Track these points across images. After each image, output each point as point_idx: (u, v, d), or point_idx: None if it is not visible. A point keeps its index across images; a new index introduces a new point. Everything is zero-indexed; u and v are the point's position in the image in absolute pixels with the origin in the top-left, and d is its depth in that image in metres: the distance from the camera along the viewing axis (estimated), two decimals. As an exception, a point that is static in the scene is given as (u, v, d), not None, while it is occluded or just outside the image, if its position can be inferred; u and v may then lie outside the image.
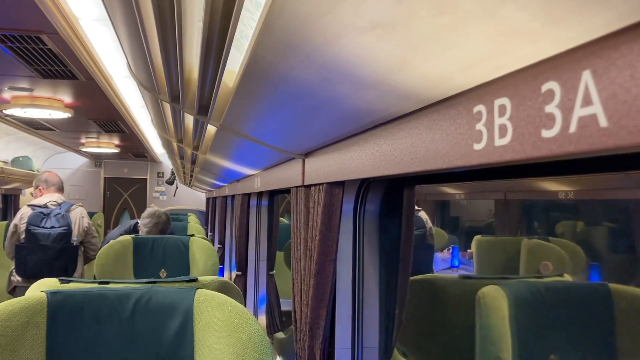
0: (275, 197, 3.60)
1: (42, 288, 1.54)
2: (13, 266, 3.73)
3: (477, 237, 3.95)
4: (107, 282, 1.64)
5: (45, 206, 3.72)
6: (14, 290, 3.69)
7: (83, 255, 3.92)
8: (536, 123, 0.58)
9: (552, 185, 3.95)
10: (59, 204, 3.79)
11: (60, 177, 4.08)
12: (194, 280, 1.76)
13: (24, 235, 3.61)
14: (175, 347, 1.43)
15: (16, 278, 3.69)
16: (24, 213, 3.69)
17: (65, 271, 3.62)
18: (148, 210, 3.61)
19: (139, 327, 1.45)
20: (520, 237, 4.03)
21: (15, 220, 3.71)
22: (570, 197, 3.90)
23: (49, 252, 3.60)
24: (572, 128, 0.53)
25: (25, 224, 3.62)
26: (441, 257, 5.70)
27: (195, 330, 1.43)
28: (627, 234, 4.62)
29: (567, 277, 1.96)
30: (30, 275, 3.57)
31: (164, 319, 1.45)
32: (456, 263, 5.65)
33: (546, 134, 0.57)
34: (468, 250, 4.35)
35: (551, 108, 0.56)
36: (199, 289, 1.49)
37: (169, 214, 3.63)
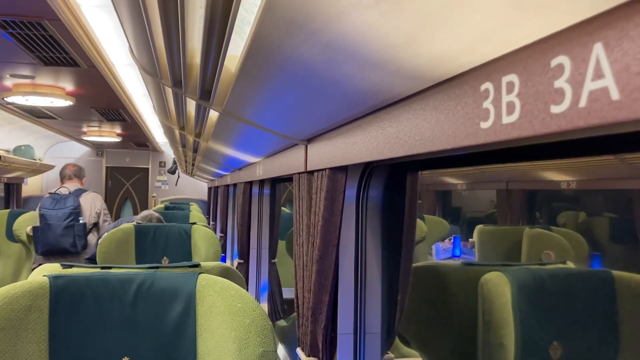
0: (277, 185, 3.60)
1: (44, 273, 1.54)
2: None
3: (479, 227, 3.95)
4: (110, 267, 1.64)
5: (57, 193, 4.37)
6: None
7: (96, 238, 4.22)
8: (545, 99, 0.58)
9: (554, 175, 3.94)
10: (70, 191, 4.37)
11: (73, 168, 4.70)
12: (197, 265, 1.75)
13: (38, 218, 4.21)
14: (178, 332, 1.43)
15: (38, 257, 4.21)
16: (41, 200, 4.35)
17: (74, 246, 4.08)
18: (142, 213, 3.82)
19: (141, 311, 1.45)
20: (522, 226, 4.03)
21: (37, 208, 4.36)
22: (572, 187, 3.89)
23: (57, 229, 4.10)
24: (582, 102, 0.52)
25: (38, 214, 4.24)
26: (442, 246, 5.71)
27: (197, 315, 1.43)
28: (629, 224, 4.61)
29: (570, 265, 1.96)
30: (44, 252, 4.11)
31: (167, 304, 1.45)
32: (457, 253, 5.66)
33: (555, 109, 0.56)
34: (470, 240, 4.34)
35: (561, 83, 0.55)
36: (202, 274, 1.49)
37: (160, 216, 3.69)
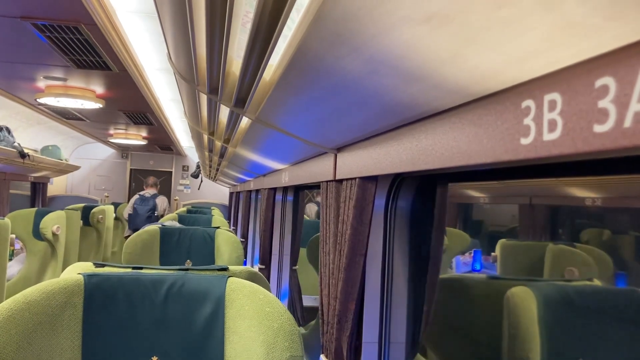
0: (300, 193, 3.63)
1: (77, 270, 1.58)
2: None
3: (501, 241, 3.92)
4: (141, 268, 1.68)
5: (143, 195, 7.52)
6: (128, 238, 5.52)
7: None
8: (588, 118, 0.59)
9: (579, 192, 3.91)
10: (151, 195, 7.53)
11: (153, 180, 7.80)
12: (225, 269, 1.78)
13: (132, 209, 7.30)
14: (206, 334, 1.46)
15: (129, 232, 7.06)
16: (133, 198, 7.56)
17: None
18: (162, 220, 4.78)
19: (171, 312, 1.48)
20: (545, 242, 4.00)
21: (131, 201, 7.52)
22: (597, 204, 3.85)
23: (142, 217, 7.14)
24: (627, 123, 0.54)
25: (132, 205, 7.39)
26: (463, 260, 5.67)
27: (226, 318, 1.45)
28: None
29: (597, 282, 1.95)
30: (133, 229, 6.69)
31: (196, 306, 1.48)
32: (478, 267, 5.62)
33: (598, 128, 0.58)
34: (492, 254, 4.31)
35: (605, 103, 0.57)
36: (231, 277, 1.52)
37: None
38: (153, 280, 1.51)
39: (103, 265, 1.69)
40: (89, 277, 1.46)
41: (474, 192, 5.59)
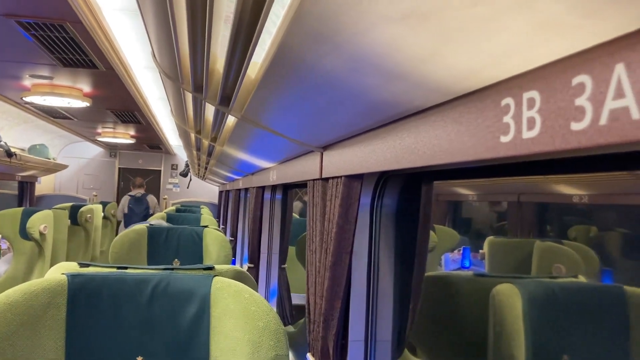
0: (289, 191, 3.62)
1: (62, 271, 1.56)
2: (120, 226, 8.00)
3: (489, 238, 3.94)
4: (126, 267, 1.67)
5: (134, 195, 8.16)
6: None
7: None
8: (566, 115, 0.59)
9: (566, 189, 3.93)
10: (142, 194, 8.20)
11: (141, 180, 8.47)
12: (211, 268, 1.78)
13: (127, 209, 8.01)
14: (192, 333, 1.45)
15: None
16: (124, 199, 8.24)
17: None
18: (151, 220, 4.69)
19: (156, 312, 1.48)
20: (533, 239, 4.02)
21: (123, 202, 8.21)
22: (584, 201, 3.87)
23: (138, 216, 7.77)
24: (603, 120, 0.54)
25: (126, 204, 8.08)
26: (452, 257, 5.69)
27: (211, 317, 1.45)
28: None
29: (582, 279, 1.96)
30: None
31: (181, 305, 1.48)
32: (467, 264, 5.64)
33: (576, 126, 0.58)
34: (480, 251, 4.33)
35: (581, 101, 0.57)
36: (216, 277, 1.51)
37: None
38: (138, 280, 1.50)
39: (88, 265, 1.68)
40: (72, 277, 1.45)
41: (463, 190, 5.61)
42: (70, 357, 1.39)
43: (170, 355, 1.45)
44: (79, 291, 1.44)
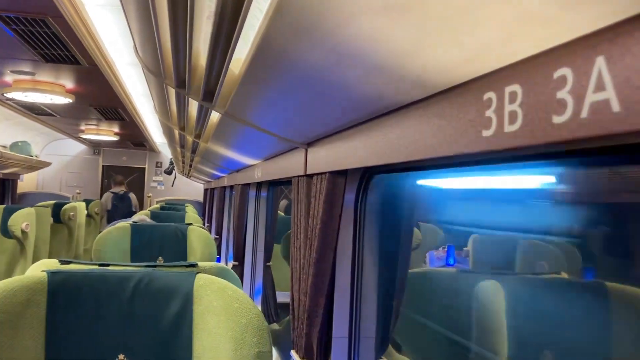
0: (274, 189, 3.61)
1: (42, 268, 1.54)
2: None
3: (473, 236, 3.96)
4: (107, 265, 1.65)
5: (116, 192, 8.27)
6: None
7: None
8: (547, 109, 0.59)
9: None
10: (123, 192, 8.37)
11: (121, 178, 8.72)
12: (194, 265, 1.76)
13: (110, 206, 8.11)
14: (174, 331, 1.44)
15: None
16: (107, 196, 8.33)
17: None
18: (134, 217, 4.47)
19: (138, 309, 1.46)
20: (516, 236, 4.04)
21: (105, 199, 8.30)
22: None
23: (122, 212, 7.65)
24: (584, 113, 0.54)
25: (110, 201, 8.18)
26: (437, 255, 5.71)
27: (194, 314, 1.43)
28: (623, 239, 4.63)
29: (564, 276, 1.97)
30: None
31: (164, 302, 1.46)
32: (451, 261, 5.65)
33: (557, 119, 0.58)
34: (464, 249, 4.35)
35: (563, 94, 0.57)
36: (199, 274, 1.50)
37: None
38: (120, 277, 1.48)
39: (69, 263, 1.66)
40: (52, 275, 1.43)
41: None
42: (50, 355, 1.37)
43: (153, 353, 1.43)
44: (60, 289, 1.42)
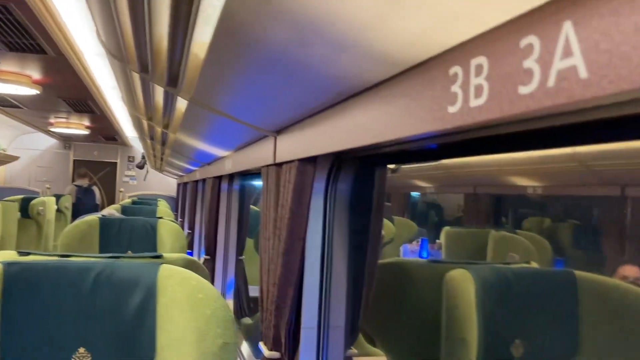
0: (247, 185, 3.56)
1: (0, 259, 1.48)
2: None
3: (446, 228, 3.98)
4: (69, 256, 1.59)
5: (80, 185, 7.83)
6: None
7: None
8: (513, 80, 0.57)
9: (521, 180, 3.99)
10: (88, 185, 7.97)
11: (85, 170, 8.23)
12: (159, 257, 1.72)
13: (75, 199, 7.58)
14: (137, 323, 1.39)
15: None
16: (70, 188, 7.85)
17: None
18: (103, 211, 4.36)
19: (100, 301, 1.41)
20: (488, 229, 4.07)
21: (69, 191, 7.68)
22: (538, 192, 3.93)
23: (87, 205, 7.57)
24: (551, 82, 0.51)
25: (74, 194, 7.68)
26: (410, 248, 5.73)
27: (158, 306, 1.39)
28: (592, 231, 4.70)
29: (534, 265, 1.98)
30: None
31: (126, 294, 1.41)
32: (425, 254, 5.68)
33: (523, 90, 0.55)
34: (437, 242, 4.36)
35: (530, 63, 0.54)
36: (164, 265, 1.45)
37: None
38: (80, 268, 1.43)
39: (28, 254, 1.60)
40: (8, 266, 1.37)
41: (422, 183, 5.65)
42: (5, 348, 1.31)
43: (115, 346, 1.39)
44: (15, 280, 1.36)
